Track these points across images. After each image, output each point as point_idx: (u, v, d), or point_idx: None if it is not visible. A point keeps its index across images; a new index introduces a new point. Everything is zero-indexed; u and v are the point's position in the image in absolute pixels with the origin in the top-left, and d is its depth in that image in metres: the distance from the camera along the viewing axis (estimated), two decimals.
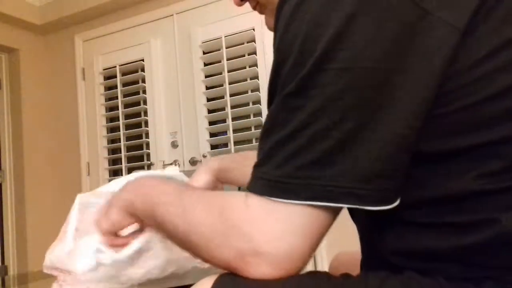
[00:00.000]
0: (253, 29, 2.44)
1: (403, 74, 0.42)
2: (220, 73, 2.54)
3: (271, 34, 0.53)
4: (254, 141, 2.47)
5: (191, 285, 0.51)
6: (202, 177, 0.82)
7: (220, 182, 0.83)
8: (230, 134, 2.48)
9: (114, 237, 0.67)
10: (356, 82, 0.42)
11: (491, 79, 0.44)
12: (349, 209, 0.58)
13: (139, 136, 2.80)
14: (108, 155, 2.91)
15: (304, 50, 0.44)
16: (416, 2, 0.42)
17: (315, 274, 0.51)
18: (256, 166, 0.48)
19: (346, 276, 0.50)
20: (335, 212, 0.46)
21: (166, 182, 0.59)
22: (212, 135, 2.61)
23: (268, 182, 0.46)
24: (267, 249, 0.45)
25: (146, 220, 0.61)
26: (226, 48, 2.51)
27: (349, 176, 0.43)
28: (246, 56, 2.51)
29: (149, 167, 2.72)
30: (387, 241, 0.51)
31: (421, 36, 0.42)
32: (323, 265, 2.19)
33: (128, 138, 2.84)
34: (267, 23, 0.66)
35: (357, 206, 0.44)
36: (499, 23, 0.44)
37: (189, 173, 0.88)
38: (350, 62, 0.42)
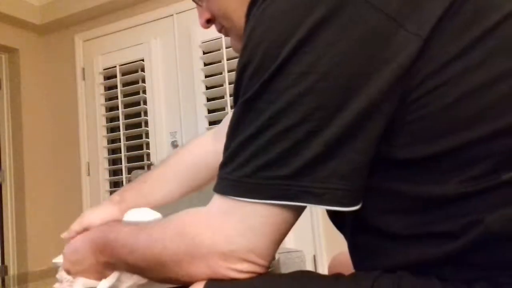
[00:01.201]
0: None
1: (361, 80, 0.43)
2: (220, 73, 2.54)
3: None
4: None
5: (190, 284, 0.51)
6: (102, 209, 0.81)
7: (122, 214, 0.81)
8: None
9: None
10: (315, 86, 0.43)
11: (460, 81, 0.44)
12: (334, 222, 0.58)
13: (139, 136, 2.80)
14: (108, 155, 2.91)
15: (267, 55, 0.45)
16: (381, 11, 0.43)
17: (306, 273, 0.52)
18: (221, 167, 0.49)
19: (338, 275, 0.51)
20: (297, 210, 0.48)
21: (118, 231, 0.60)
22: None
23: (231, 182, 0.47)
24: (230, 247, 0.47)
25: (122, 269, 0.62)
26: (226, 48, 2.51)
27: (306, 175, 0.44)
28: None
29: (149, 167, 2.72)
30: (375, 255, 0.51)
31: (383, 43, 0.43)
32: (323, 265, 2.19)
33: (128, 138, 2.84)
34: (232, 46, 0.67)
35: (314, 205, 0.45)
36: (465, 25, 0.44)
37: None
38: (310, 66, 0.43)
